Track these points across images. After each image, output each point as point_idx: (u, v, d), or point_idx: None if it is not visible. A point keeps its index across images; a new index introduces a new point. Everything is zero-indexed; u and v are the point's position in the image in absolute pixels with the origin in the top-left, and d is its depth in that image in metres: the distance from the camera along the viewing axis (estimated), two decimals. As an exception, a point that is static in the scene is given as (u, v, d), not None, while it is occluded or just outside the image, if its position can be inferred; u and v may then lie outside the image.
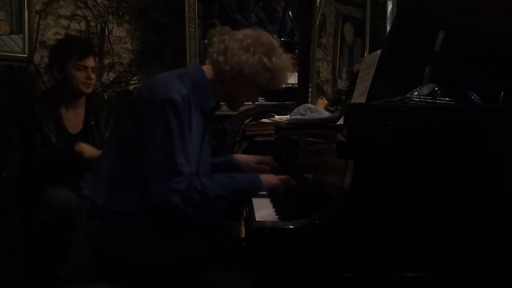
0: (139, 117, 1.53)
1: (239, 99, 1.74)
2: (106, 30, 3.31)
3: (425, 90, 1.21)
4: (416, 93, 1.20)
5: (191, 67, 1.73)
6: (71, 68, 2.44)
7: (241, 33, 1.68)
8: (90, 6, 3.25)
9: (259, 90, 1.72)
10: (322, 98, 3.73)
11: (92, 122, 2.51)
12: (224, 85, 1.66)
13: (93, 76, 2.51)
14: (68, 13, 3.17)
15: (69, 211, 2.18)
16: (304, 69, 3.26)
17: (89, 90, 2.52)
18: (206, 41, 1.71)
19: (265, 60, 1.62)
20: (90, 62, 2.50)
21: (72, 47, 2.49)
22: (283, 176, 1.66)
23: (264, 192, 1.62)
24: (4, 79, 2.87)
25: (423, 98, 1.17)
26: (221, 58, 1.63)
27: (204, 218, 1.50)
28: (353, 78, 1.64)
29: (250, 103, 1.91)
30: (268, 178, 1.63)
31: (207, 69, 1.67)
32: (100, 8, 3.29)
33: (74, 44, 2.58)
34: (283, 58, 1.68)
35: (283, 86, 1.80)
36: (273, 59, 1.64)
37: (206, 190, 1.46)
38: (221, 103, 1.78)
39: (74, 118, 2.51)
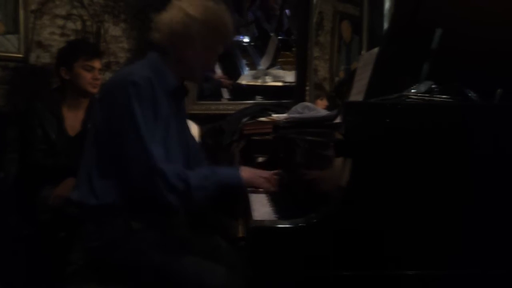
0: (106, 108, 1.56)
1: (192, 62, 1.65)
2: (102, 30, 3.30)
3: (423, 87, 1.21)
4: (413, 90, 1.20)
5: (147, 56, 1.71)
6: (79, 68, 2.47)
7: None
8: (86, 5, 3.24)
9: (206, 48, 1.63)
10: (322, 99, 3.65)
11: (89, 125, 2.51)
12: (173, 54, 1.63)
13: (99, 77, 2.54)
14: (63, 13, 3.16)
15: (66, 213, 2.17)
16: (302, 67, 3.25)
17: (95, 90, 2.54)
18: None
19: (183, 6, 1.60)
20: (97, 63, 2.53)
21: (80, 48, 2.54)
22: (265, 175, 1.64)
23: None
24: (-1, 79, 2.86)
25: (420, 96, 1.17)
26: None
27: (183, 206, 1.53)
28: (349, 74, 1.63)
29: (251, 103, 1.89)
30: (250, 176, 1.60)
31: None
32: (95, 8, 3.28)
33: (82, 45, 2.64)
34: (214, 5, 1.61)
35: (230, 38, 1.74)
36: (196, 3, 1.61)
37: (189, 179, 1.46)
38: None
39: (74, 120, 2.51)
